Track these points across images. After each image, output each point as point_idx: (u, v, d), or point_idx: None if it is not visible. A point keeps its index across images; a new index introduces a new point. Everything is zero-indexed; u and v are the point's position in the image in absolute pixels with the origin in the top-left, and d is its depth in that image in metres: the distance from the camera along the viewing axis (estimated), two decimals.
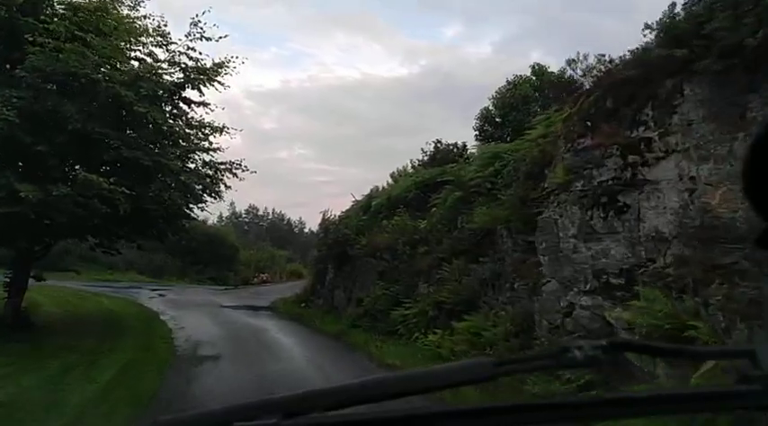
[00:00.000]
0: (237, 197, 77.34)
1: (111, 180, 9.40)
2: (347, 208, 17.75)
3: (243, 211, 79.23)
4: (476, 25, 78.96)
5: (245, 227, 68.41)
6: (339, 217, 17.78)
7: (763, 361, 0.69)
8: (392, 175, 18.68)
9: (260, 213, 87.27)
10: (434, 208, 12.37)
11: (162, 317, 14.11)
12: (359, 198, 17.07)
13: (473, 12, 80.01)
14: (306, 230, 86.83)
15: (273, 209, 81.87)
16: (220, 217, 59.73)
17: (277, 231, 74.90)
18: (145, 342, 10.21)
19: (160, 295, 20.64)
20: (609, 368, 3.77)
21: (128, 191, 9.38)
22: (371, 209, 14.80)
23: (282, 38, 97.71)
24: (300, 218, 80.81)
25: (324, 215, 18.35)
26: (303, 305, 17.13)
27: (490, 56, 67.63)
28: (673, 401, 0.73)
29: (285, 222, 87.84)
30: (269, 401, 0.66)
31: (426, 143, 18.66)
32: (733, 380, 0.71)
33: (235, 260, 35.46)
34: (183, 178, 10.56)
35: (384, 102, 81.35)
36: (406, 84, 77.11)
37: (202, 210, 13.14)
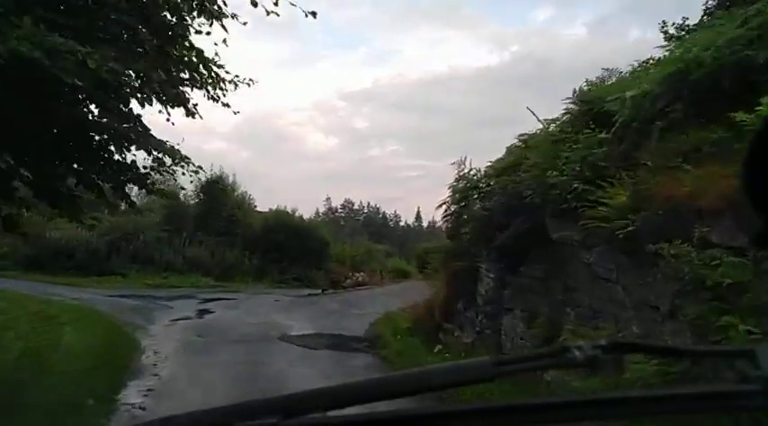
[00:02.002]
0: (333, 193, 74.22)
1: None
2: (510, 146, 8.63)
3: (338, 206, 77.24)
4: (568, 6, 68.46)
5: (342, 222, 65.75)
6: (491, 165, 8.75)
7: (763, 361, 0.65)
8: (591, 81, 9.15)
9: (355, 207, 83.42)
10: None
11: (121, 396, 5.88)
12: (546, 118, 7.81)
13: None
14: (401, 223, 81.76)
15: (368, 203, 78.04)
16: (317, 212, 54.99)
17: (372, 225, 70.98)
18: None
19: (201, 311, 12.74)
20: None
21: None
22: (623, 120, 5.35)
23: (372, 37, 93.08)
24: (395, 212, 76.77)
25: (460, 165, 9.39)
26: (437, 348, 8.19)
27: (584, 37, 58.37)
28: (672, 401, 0.68)
29: (380, 215, 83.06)
30: (269, 401, 0.63)
31: None
32: (733, 380, 0.67)
33: (325, 255, 27.52)
34: None
35: (473, 94, 74.55)
36: (495, 72, 69.91)
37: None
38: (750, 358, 0.65)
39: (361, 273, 19.96)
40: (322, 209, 64.27)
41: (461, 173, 9.39)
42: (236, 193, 27.90)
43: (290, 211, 29.23)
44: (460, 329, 8.39)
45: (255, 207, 29.56)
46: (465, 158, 9.50)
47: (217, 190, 27.01)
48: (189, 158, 5.88)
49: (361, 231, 54.84)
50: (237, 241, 25.46)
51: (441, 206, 9.60)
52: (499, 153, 9.27)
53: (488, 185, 8.53)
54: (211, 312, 12.80)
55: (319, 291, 19.15)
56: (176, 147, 5.73)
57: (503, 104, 71.17)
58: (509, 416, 0.63)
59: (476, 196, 8.97)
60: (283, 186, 66.76)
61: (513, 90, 70.23)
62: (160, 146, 5.21)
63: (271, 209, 29.47)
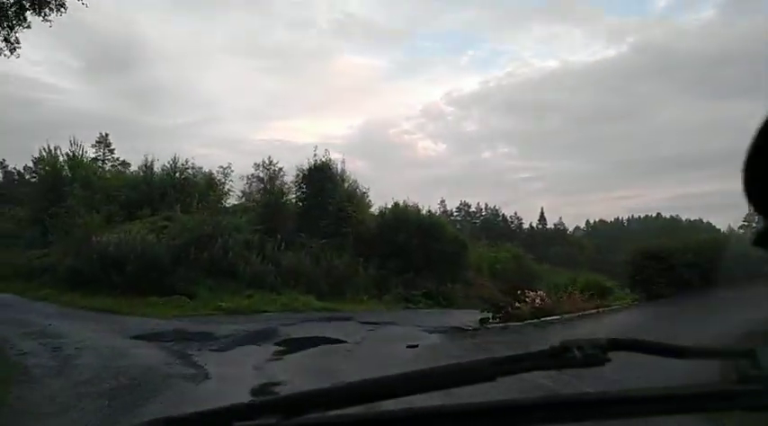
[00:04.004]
0: (447, 195, 68.57)
1: None
2: None
3: (454, 209, 71.18)
4: None
5: (458, 226, 58.48)
6: None
7: (763, 361, 0.64)
8: None
9: (472, 210, 75.64)
10: None
11: None
12: None
13: None
14: (524, 225, 71.81)
15: (486, 204, 70.42)
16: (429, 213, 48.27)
17: (492, 227, 63.41)
18: None
19: (256, 396, 5.54)
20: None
21: None
22: None
23: (479, 39, 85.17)
24: (516, 213, 68.42)
25: None
26: None
27: (713, 20, 45.90)
28: (672, 401, 0.66)
29: (500, 218, 74.50)
30: (269, 401, 0.61)
31: None
32: (733, 380, 0.66)
33: (462, 262, 19.60)
34: None
35: (588, 89, 64.01)
36: (612, 65, 59.10)
37: None
38: (750, 358, 0.64)
39: (539, 293, 11.79)
40: (437, 213, 58.00)
41: None
42: (346, 184, 20.90)
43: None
44: None
45: (370, 202, 21.92)
46: None
47: (323, 179, 20.26)
48: None
49: (480, 234, 46.99)
50: (348, 244, 18.44)
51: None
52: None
53: None
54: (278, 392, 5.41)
55: (476, 322, 11.17)
56: None
57: (622, 97, 59.95)
58: (509, 415, 0.62)
59: None
60: (395, 193, 61.89)
61: (633, 81, 58.71)
62: None
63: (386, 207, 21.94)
